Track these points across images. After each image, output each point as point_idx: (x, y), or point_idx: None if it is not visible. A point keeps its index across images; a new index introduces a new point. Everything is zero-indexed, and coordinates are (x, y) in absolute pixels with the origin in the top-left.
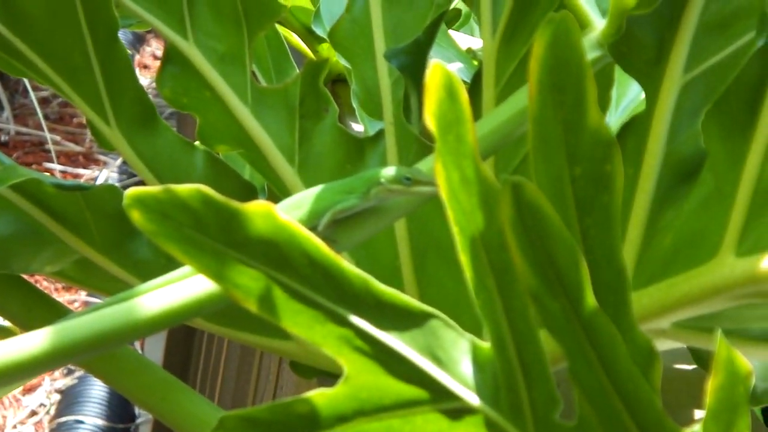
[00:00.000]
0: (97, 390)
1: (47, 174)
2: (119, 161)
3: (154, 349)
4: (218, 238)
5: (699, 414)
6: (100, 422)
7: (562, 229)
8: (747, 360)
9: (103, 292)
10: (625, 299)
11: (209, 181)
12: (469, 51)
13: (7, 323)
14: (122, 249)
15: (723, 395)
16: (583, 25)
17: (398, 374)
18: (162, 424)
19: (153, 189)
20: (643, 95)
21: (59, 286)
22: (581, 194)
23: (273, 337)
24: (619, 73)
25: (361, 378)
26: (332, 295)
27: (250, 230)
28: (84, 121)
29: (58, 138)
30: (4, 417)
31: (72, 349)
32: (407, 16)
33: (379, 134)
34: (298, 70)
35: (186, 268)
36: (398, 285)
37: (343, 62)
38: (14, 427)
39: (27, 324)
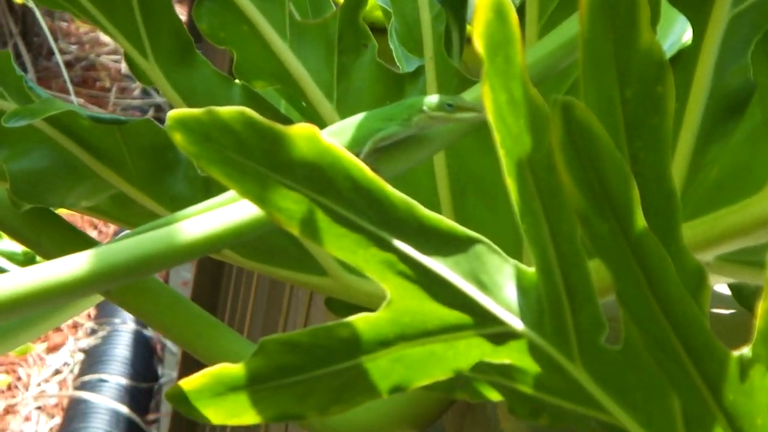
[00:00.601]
0: (121, 349)
1: (83, 107)
2: None
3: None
4: (261, 161)
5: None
6: (124, 381)
7: (613, 149)
8: None
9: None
10: (675, 223)
11: None
12: None
13: None
14: (159, 183)
15: None
16: None
17: (441, 299)
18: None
19: (195, 111)
20: (687, 35)
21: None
22: (631, 116)
23: (309, 273)
24: (663, 11)
25: (404, 302)
26: (376, 219)
27: (294, 153)
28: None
29: (81, 101)
30: (29, 375)
31: (113, 272)
32: None
33: (419, 69)
34: (335, 8)
35: (225, 195)
36: None
37: (380, 1)
38: (38, 385)
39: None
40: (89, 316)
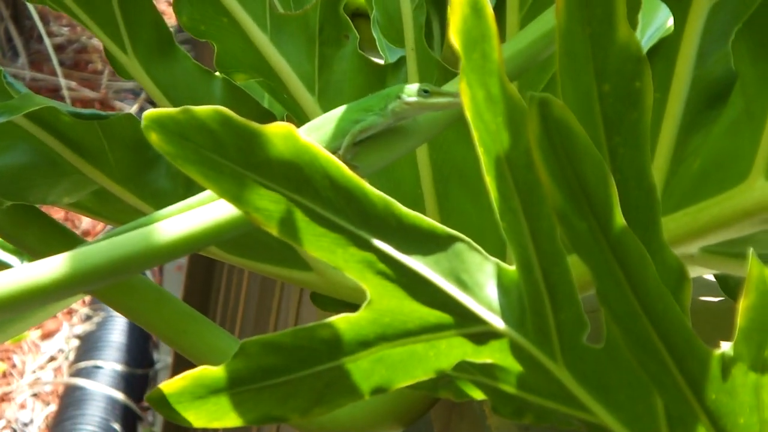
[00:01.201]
0: (116, 335)
1: (63, 103)
2: (135, 108)
3: (174, 282)
4: (238, 160)
5: (725, 346)
6: (119, 367)
7: (591, 146)
8: None
9: (121, 223)
10: (655, 219)
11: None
12: None
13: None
14: (140, 179)
15: (754, 315)
16: None
17: (422, 298)
18: (180, 367)
19: (171, 110)
20: (669, 23)
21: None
22: (610, 111)
23: (293, 268)
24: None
25: (384, 302)
26: (355, 218)
27: (271, 152)
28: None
29: (73, 84)
30: (23, 362)
31: (91, 274)
32: None
33: (401, 61)
34: None
35: (204, 194)
36: (420, 212)
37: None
38: (33, 372)
39: (44, 255)
40: (84, 302)
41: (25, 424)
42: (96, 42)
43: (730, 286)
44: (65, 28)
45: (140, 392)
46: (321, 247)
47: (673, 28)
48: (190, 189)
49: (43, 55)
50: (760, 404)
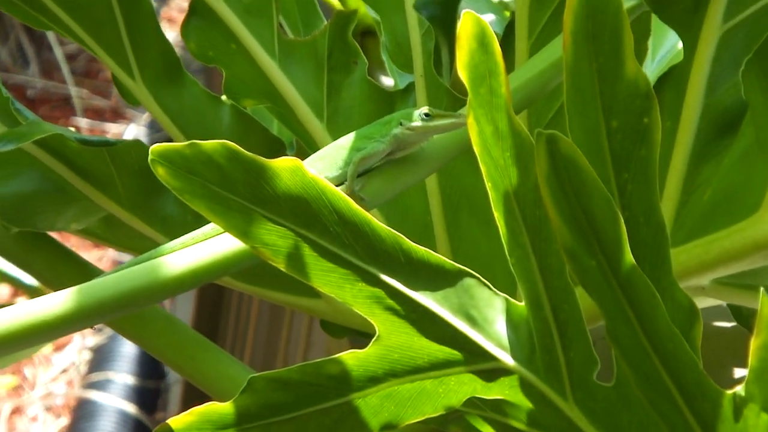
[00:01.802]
0: (128, 347)
1: (72, 129)
2: (146, 116)
3: (183, 308)
4: (245, 195)
5: (739, 372)
6: (131, 380)
7: (599, 184)
8: None
9: (130, 249)
10: (665, 256)
11: (236, 136)
12: (501, 3)
13: (34, 282)
14: (149, 205)
15: (766, 355)
16: None
17: (431, 334)
18: (192, 382)
19: (178, 145)
20: (680, 45)
21: (88, 243)
22: (618, 148)
23: (303, 296)
24: (655, 22)
25: (392, 338)
26: (363, 253)
27: (278, 186)
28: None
29: (84, 92)
30: (35, 375)
31: (98, 309)
32: None
33: (410, 87)
34: (325, 21)
35: (213, 225)
36: (429, 241)
37: (372, 14)
38: (45, 384)
39: (53, 281)
40: None
41: None
42: None
43: (743, 315)
44: None
45: (152, 405)
46: (329, 282)
47: (681, 58)
48: (198, 216)
49: (54, 63)
50: None
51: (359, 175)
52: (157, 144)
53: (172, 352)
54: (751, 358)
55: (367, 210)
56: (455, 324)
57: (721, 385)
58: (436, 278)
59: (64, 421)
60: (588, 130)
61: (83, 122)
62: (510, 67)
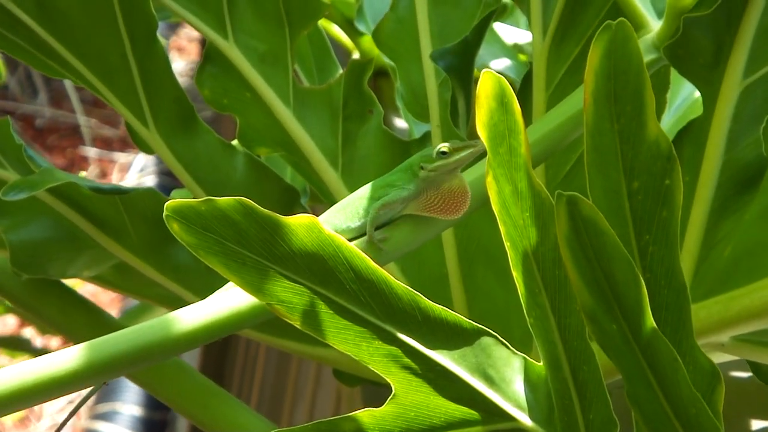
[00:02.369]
0: None
1: (85, 176)
2: None
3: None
4: (260, 251)
5: (756, 424)
6: (137, 411)
7: (620, 246)
8: None
9: (143, 296)
10: (686, 319)
11: (250, 185)
12: (516, 46)
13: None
14: (161, 253)
15: None
16: (638, 26)
17: (448, 394)
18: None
19: (193, 201)
20: (696, 94)
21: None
22: (639, 209)
23: (315, 345)
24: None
25: (409, 397)
26: (380, 311)
27: (294, 243)
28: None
29: (93, 122)
30: (41, 406)
31: (111, 365)
32: (454, 14)
33: (426, 137)
34: (340, 67)
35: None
36: (445, 292)
37: (387, 61)
38: (52, 416)
39: (64, 328)
40: None
41: None
42: None
43: (762, 371)
44: None
45: None
46: (345, 340)
47: (700, 100)
48: None
49: (63, 92)
50: None
51: (381, 226)
52: (172, 200)
53: (183, 400)
54: None
55: (384, 263)
56: (473, 383)
57: None
58: (454, 337)
59: None
60: (609, 190)
61: (92, 151)
62: (527, 117)
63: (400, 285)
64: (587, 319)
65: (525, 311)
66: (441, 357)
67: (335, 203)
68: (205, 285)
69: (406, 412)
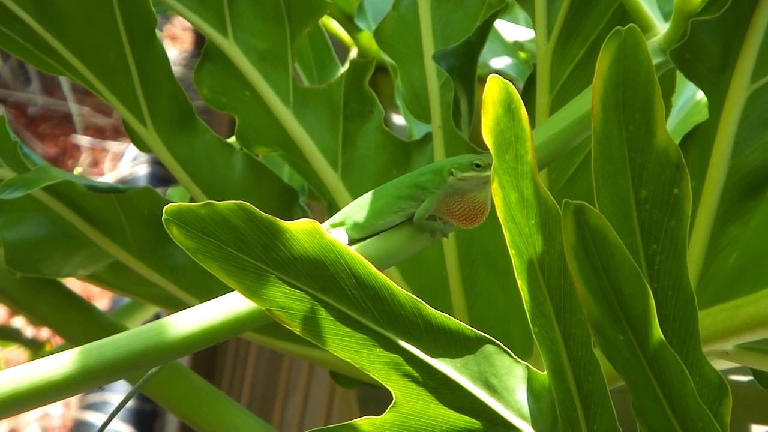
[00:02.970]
0: None
1: (81, 174)
2: None
3: None
4: (261, 257)
5: (756, 429)
6: (129, 403)
7: (627, 257)
8: None
9: (138, 296)
10: (693, 330)
11: (248, 185)
12: (516, 44)
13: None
14: (158, 253)
15: None
16: (645, 28)
17: (449, 402)
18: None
19: (193, 205)
20: (699, 95)
21: None
22: (647, 218)
23: (312, 347)
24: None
25: (410, 405)
26: (381, 318)
27: (295, 249)
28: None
29: (86, 110)
30: None
31: (107, 369)
32: (457, 15)
33: (427, 138)
34: (340, 65)
35: None
36: (445, 295)
37: (387, 59)
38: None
39: (59, 326)
40: None
41: None
42: None
43: (764, 377)
44: None
45: (149, 427)
46: (346, 347)
47: (704, 102)
48: None
49: (56, 80)
50: None
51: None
52: (171, 204)
53: (178, 401)
54: None
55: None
56: (475, 392)
57: None
58: (456, 345)
59: None
60: (617, 198)
61: (84, 140)
62: (531, 120)
63: (402, 292)
64: (593, 329)
65: (529, 320)
66: (443, 365)
67: (334, 203)
68: (202, 285)
69: (406, 421)
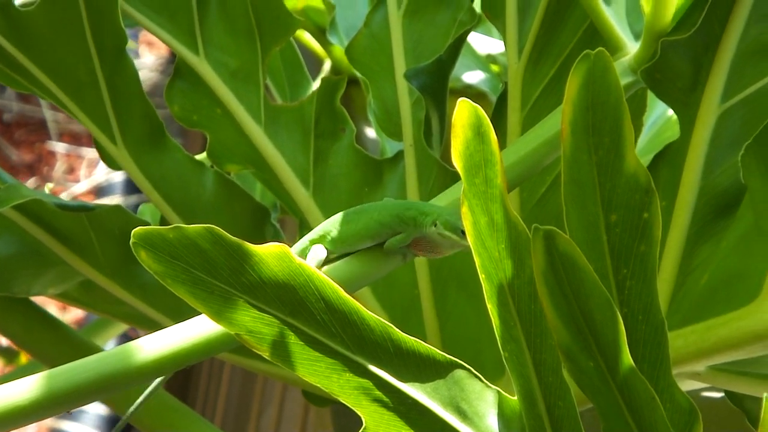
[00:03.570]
0: None
1: (50, 193)
2: None
3: None
4: (229, 281)
5: None
6: (103, 410)
7: (598, 283)
8: None
9: (109, 314)
10: (664, 356)
11: (219, 204)
12: (489, 57)
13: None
14: (128, 271)
15: None
16: (615, 48)
17: (420, 428)
18: None
19: (161, 228)
20: (669, 112)
21: None
22: (617, 243)
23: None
24: None
25: (380, 431)
26: (351, 342)
27: (264, 272)
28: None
29: (61, 117)
30: None
31: (74, 394)
32: (429, 32)
33: (398, 156)
34: (312, 81)
35: None
36: (416, 315)
37: (357, 73)
38: None
39: (28, 343)
40: None
41: None
42: None
43: (736, 397)
44: None
45: None
46: (315, 372)
47: (674, 119)
48: None
49: None
50: None
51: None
52: (140, 228)
53: (151, 420)
54: None
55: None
56: (445, 417)
57: None
58: (426, 369)
59: None
60: (586, 223)
61: (59, 146)
62: (502, 139)
63: (372, 316)
64: (563, 355)
65: (500, 345)
66: (413, 390)
67: (305, 221)
68: (173, 304)
69: None
